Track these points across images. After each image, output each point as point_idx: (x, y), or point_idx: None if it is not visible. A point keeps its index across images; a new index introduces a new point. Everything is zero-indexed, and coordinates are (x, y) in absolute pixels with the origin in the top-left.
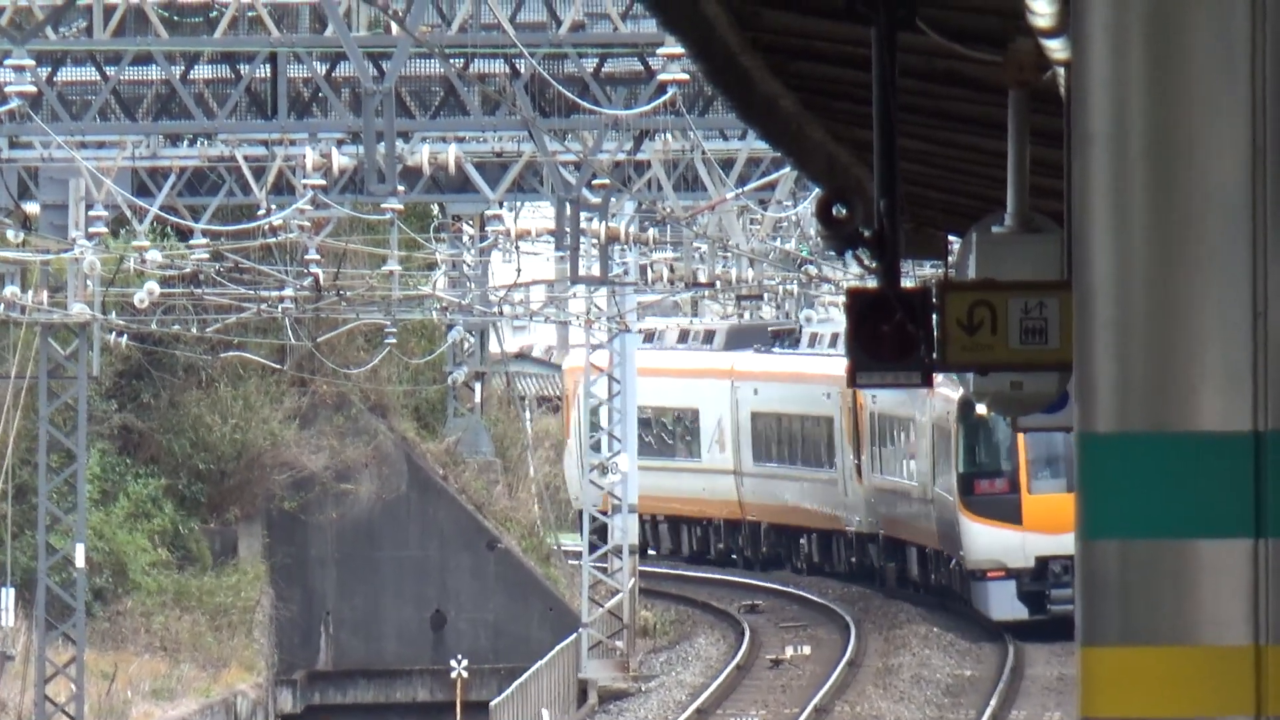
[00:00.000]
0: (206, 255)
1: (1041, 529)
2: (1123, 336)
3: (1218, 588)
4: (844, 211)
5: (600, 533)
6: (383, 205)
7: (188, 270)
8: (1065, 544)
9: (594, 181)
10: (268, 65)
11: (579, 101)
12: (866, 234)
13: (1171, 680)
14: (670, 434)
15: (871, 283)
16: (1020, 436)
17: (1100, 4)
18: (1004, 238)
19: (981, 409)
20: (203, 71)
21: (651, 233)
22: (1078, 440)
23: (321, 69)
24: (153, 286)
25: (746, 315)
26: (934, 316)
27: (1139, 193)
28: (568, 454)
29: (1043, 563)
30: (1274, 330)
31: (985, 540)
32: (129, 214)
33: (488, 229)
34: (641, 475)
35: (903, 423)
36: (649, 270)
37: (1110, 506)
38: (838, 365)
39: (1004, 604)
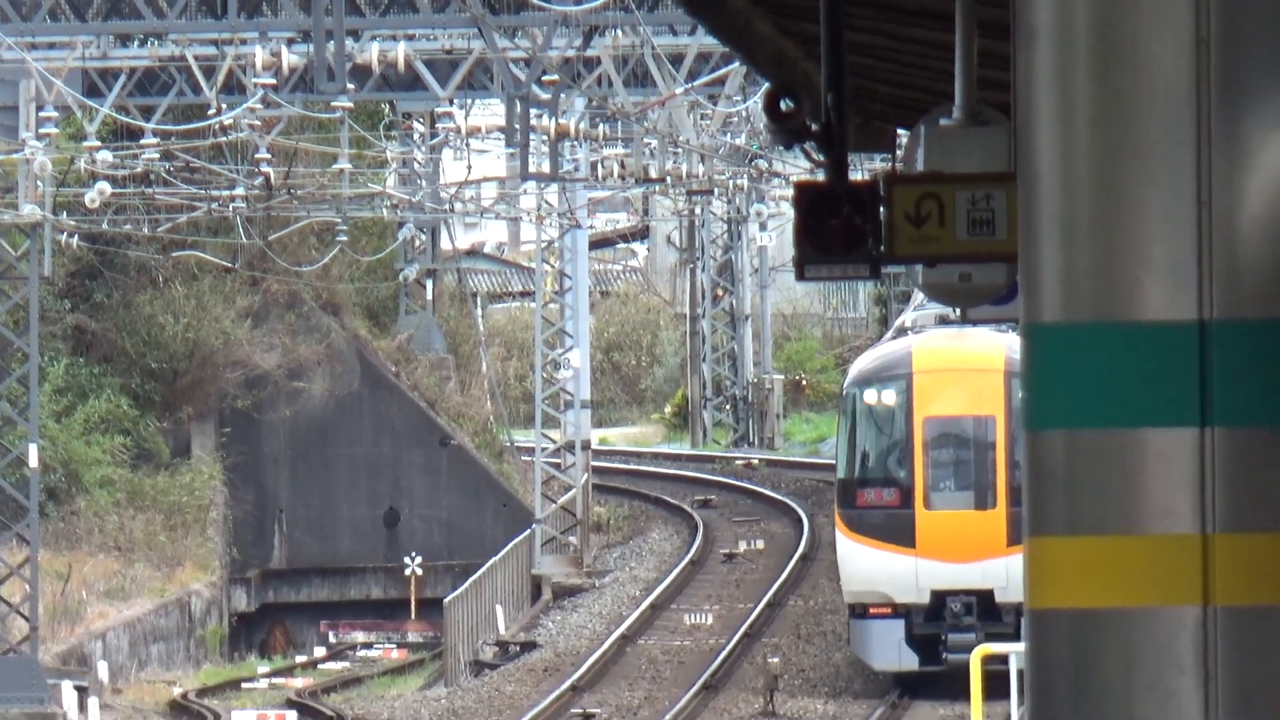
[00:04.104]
0: (157, 155)
1: (939, 556)
2: (1067, 227)
3: (1164, 477)
4: (792, 105)
5: None
6: (333, 103)
7: (139, 170)
8: (968, 576)
9: (544, 78)
10: None
11: None
12: (814, 128)
13: (1118, 570)
14: None
15: (820, 177)
16: (918, 433)
17: None
18: (952, 130)
19: (871, 396)
20: None
21: (602, 129)
22: (1024, 331)
23: None
24: (104, 186)
25: (698, 210)
26: (881, 209)
27: (1083, 85)
28: None
29: (939, 599)
30: (1218, 220)
31: (867, 567)
32: (79, 114)
33: (438, 126)
34: None
35: None
36: (599, 166)
37: (1056, 397)
38: None
39: (888, 650)
